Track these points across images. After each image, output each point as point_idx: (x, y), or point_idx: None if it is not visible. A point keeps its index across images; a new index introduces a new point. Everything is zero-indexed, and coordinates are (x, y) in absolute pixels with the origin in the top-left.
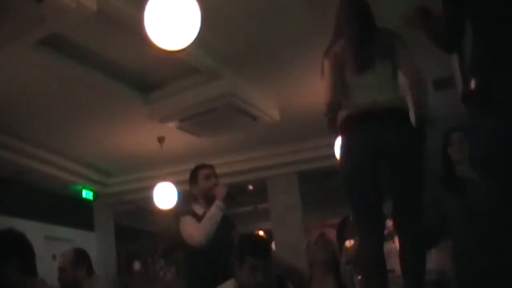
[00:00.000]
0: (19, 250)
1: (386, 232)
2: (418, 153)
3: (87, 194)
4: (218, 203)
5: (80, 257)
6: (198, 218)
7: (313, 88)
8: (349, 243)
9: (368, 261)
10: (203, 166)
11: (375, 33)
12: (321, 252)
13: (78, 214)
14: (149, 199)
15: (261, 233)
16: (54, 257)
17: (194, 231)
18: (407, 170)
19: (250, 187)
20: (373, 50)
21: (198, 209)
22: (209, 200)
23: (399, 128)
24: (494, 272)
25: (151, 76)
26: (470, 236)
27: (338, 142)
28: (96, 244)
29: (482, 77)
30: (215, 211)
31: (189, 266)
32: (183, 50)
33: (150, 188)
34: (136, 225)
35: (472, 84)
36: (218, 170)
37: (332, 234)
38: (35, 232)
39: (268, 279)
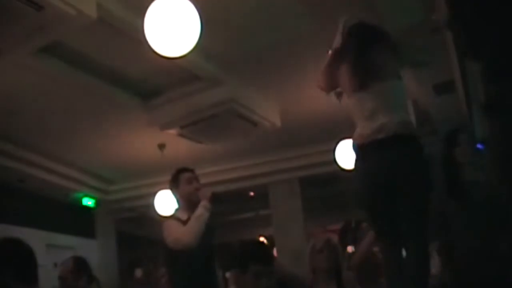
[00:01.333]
0: (16, 259)
1: None
2: (425, 180)
3: (88, 201)
4: (204, 203)
5: (80, 265)
6: (183, 223)
7: (313, 94)
8: (351, 248)
9: (393, 272)
10: (184, 169)
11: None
12: (326, 261)
13: (80, 222)
14: (151, 206)
15: (262, 239)
16: (55, 265)
17: (181, 234)
18: (413, 199)
19: (252, 194)
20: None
21: (182, 215)
22: (192, 205)
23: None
24: (492, 278)
25: (152, 83)
26: (470, 242)
27: (342, 148)
28: (97, 251)
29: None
30: (201, 211)
31: (174, 272)
32: (183, 56)
33: (151, 195)
34: (137, 232)
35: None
36: (219, 177)
37: (334, 239)
38: (36, 240)
39: (272, 285)
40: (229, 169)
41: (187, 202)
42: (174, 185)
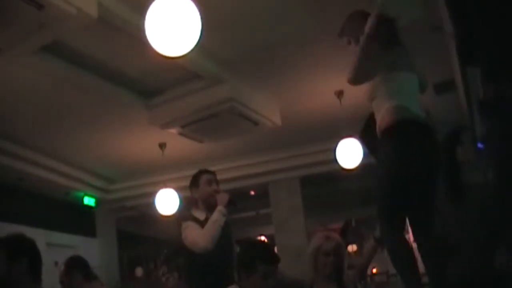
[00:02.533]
0: (29, 254)
1: None
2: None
3: (88, 200)
4: (220, 208)
5: (71, 265)
6: (200, 223)
7: (314, 93)
8: (351, 248)
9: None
10: (206, 171)
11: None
12: (331, 266)
13: (80, 221)
14: (151, 205)
15: (262, 238)
16: (56, 263)
17: (199, 237)
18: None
19: (252, 192)
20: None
21: (199, 214)
22: (209, 206)
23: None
24: (490, 279)
25: (152, 82)
26: (468, 243)
27: (342, 147)
28: (98, 250)
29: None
30: (218, 216)
31: (191, 273)
32: (183, 56)
33: (152, 194)
34: (138, 231)
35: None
36: (220, 176)
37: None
38: (37, 238)
39: (277, 285)
40: (230, 168)
41: (205, 203)
42: (194, 185)
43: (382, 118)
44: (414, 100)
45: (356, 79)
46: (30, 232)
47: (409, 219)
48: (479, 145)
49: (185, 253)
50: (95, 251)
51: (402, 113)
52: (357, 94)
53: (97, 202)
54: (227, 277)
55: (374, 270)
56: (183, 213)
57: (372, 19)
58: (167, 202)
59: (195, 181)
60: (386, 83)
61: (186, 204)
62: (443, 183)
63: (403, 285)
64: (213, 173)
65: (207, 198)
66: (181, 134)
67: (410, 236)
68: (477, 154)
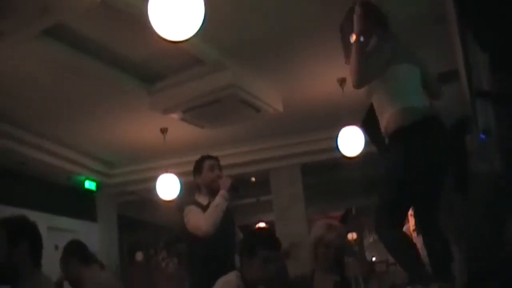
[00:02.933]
0: (31, 237)
1: None
2: None
3: (89, 184)
4: (223, 193)
5: (68, 252)
6: (203, 208)
7: (317, 81)
8: (351, 235)
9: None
10: (209, 157)
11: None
12: (332, 256)
13: (81, 205)
14: (152, 190)
15: (262, 224)
16: (56, 247)
17: (200, 221)
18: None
19: (253, 179)
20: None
21: (202, 200)
22: (212, 191)
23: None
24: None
25: (155, 66)
26: (475, 233)
27: (344, 135)
28: (98, 235)
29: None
30: (220, 201)
31: (193, 259)
32: (186, 40)
33: (153, 179)
34: (139, 216)
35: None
36: (221, 162)
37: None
38: (38, 222)
39: (279, 270)
40: (231, 155)
41: (208, 188)
42: (197, 171)
43: (388, 122)
44: (416, 94)
45: (360, 83)
46: (31, 215)
47: (415, 214)
48: (482, 135)
49: (187, 239)
50: (96, 235)
51: (407, 117)
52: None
53: (98, 187)
54: (229, 264)
55: (374, 259)
56: (186, 198)
57: (356, 14)
58: (168, 187)
59: (198, 167)
60: (385, 80)
61: (189, 190)
62: (451, 174)
63: (410, 277)
64: (215, 158)
65: (210, 184)
66: (182, 119)
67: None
68: (481, 144)
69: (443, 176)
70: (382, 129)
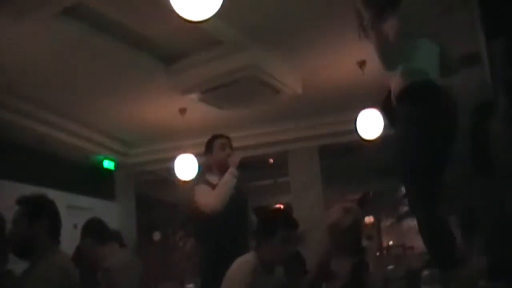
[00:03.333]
0: (50, 215)
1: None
2: None
3: (108, 164)
4: (231, 170)
5: (84, 231)
6: (213, 187)
7: (336, 63)
8: (368, 219)
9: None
10: (219, 136)
11: None
12: (349, 241)
13: (100, 184)
14: (170, 170)
15: (279, 205)
16: (75, 226)
17: (209, 198)
18: None
19: (271, 160)
20: None
21: (213, 179)
22: (223, 170)
23: None
24: None
25: (174, 47)
26: (498, 218)
27: (363, 118)
28: (117, 213)
29: None
30: (228, 178)
31: (204, 237)
32: (206, 20)
33: (171, 159)
34: (156, 195)
35: None
36: (239, 143)
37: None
38: (57, 201)
39: (296, 250)
40: (249, 136)
41: (219, 168)
42: (208, 150)
43: (394, 87)
44: (428, 66)
45: (388, 67)
46: (50, 194)
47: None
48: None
49: (196, 218)
50: (114, 214)
51: (408, 77)
52: (379, 65)
53: (116, 166)
54: (241, 244)
55: (390, 243)
56: (197, 177)
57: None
58: (186, 167)
59: (209, 146)
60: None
61: (202, 169)
62: (471, 157)
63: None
64: (227, 137)
65: (220, 163)
66: (201, 100)
67: None
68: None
69: (446, 149)
70: (392, 95)
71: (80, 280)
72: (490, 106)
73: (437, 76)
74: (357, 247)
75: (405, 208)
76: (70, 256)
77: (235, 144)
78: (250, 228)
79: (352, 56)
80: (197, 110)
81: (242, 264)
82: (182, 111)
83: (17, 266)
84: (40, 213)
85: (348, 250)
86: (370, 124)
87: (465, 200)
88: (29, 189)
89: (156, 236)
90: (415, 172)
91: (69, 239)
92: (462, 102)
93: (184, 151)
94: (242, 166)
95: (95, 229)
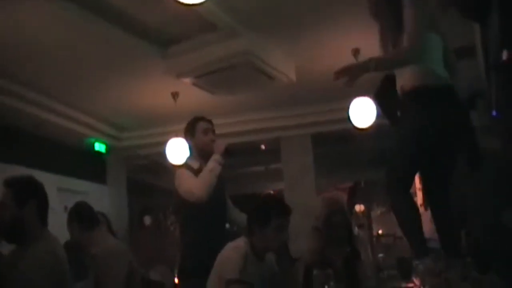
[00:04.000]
0: (38, 196)
1: None
2: None
3: (100, 147)
4: (217, 157)
5: (70, 216)
6: (194, 172)
7: (331, 51)
8: (359, 207)
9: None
10: (202, 119)
11: None
12: (341, 235)
13: (91, 167)
14: (162, 154)
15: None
16: (66, 208)
17: (193, 186)
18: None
19: (263, 147)
20: None
21: (193, 163)
22: (205, 155)
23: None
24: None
25: (169, 30)
26: (485, 212)
27: (356, 106)
28: (108, 197)
29: None
30: (214, 165)
31: (185, 224)
32: (201, 4)
33: (163, 143)
34: (148, 180)
35: (504, 55)
36: (232, 129)
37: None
38: (48, 183)
39: (288, 238)
40: (242, 121)
41: (201, 152)
42: (189, 133)
43: (406, 80)
44: (438, 61)
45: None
46: (42, 176)
47: (425, 185)
48: (494, 112)
49: (178, 203)
50: (105, 198)
51: (427, 77)
52: (374, 53)
53: (108, 149)
54: (221, 230)
55: (380, 232)
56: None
57: None
58: (177, 151)
59: (190, 128)
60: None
61: None
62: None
63: (411, 246)
64: (210, 121)
65: (203, 147)
66: (195, 84)
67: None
68: (492, 120)
69: (455, 148)
70: (398, 88)
71: (71, 265)
72: (472, 98)
73: (447, 74)
74: (349, 236)
75: None
76: (59, 239)
77: (227, 129)
78: (229, 215)
79: (346, 45)
80: (190, 95)
81: (234, 249)
82: (175, 95)
83: (5, 248)
84: (29, 195)
85: (339, 239)
86: (363, 112)
87: (457, 192)
88: (19, 171)
89: (147, 220)
90: (413, 167)
91: (60, 221)
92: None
93: (176, 136)
94: (228, 153)
95: (81, 215)
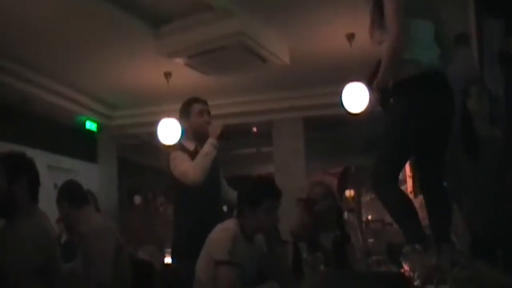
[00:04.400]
0: (28, 172)
1: None
2: None
3: (91, 125)
4: (212, 141)
5: (60, 193)
6: (190, 154)
7: (325, 34)
8: (349, 192)
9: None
10: (197, 100)
11: None
12: (329, 220)
13: (82, 146)
14: (153, 134)
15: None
16: (55, 186)
17: (189, 169)
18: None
19: (255, 129)
20: None
21: (189, 145)
22: (200, 137)
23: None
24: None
25: (162, 9)
26: (484, 197)
27: (349, 91)
28: (98, 176)
29: None
30: (209, 149)
31: (179, 205)
32: None
33: (155, 123)
34: (139, 159)
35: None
36: (224, 110)
37: (333, 183)
38: (38, 160)
39: (278, 220)
40: (234, 103)
41: (196, 134)
42: (184, 115)
43: (395, 71)
44: (427, 50)
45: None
46: (31, 153)
47: (416, 172)
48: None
49: (172, 185)
50: (96, 176)
51: (414, 68)
52: (368, 38)
53: (99, 128)
54: (215, 212)
55: (370, 217)
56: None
57: None
58: (169, 132)
59: (185, 110)
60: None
61: None
62: (458, 137)
63: (405, 235)
64: (205, 102)
65: (198, 129)
66: (187, 65)
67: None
68: (490, 107)
69: (446, 135)
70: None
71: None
72: (467, 85)
73: (436, 61)
74: (339, 219)
75: None
76: (48, 216)
77: (219, 111)
78: (224, 195)
79: (341, 29)
80: (183, 75)
81: (224, 231)
82: (168, 75)
83: None
84: (20, 172)
85: (329, 222)
86: (356, 97)
87: (453, 178)
88: (11, 148)
89: (137, 200)
90: (399, 156)
91: (50, 199)
92: (452, 82)
93: (168, 116)
94: (223, 136)
95: (69, 192)
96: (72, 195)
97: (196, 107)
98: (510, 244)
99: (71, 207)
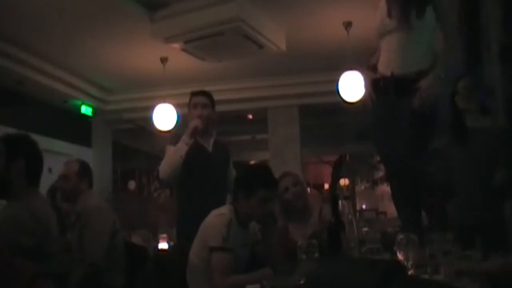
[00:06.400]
0: (28, 155)
1: (380, 175)
2: None
3: (86, 109)
4: (184, 137)
5: (85, 169)
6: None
7: (322, 23)
8: (343, 181)
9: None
10: (195, 93)
11: None
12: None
13: (77, 129)
14: (149, 120)
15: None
16: (50, 170)
17: (162, 165)
18: None
19: (250, 116)
20: None
21: (183, 139)
22: None
23: None
24: (493, 225)
25: None
26: (472, 189)
27: (345, 80)
28: (92, 160)
29: None
30: (180, 145)
31: (180, 192)
32: None
33: (150, 108)
34: (134, 144)
35: None
36: (220, 96)
37: (327, 171)
38: None
39: (274, 209)
40: (230, 89)
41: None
42: (188, 107)
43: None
44: (407, 54)
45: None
46: None
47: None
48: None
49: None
50: (90, 161)
51: (384, 70)
52: (365, 27)
53: (94, 112)
54: (219, 198)
55: (364, 206)
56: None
57: None
58: (164, 117)
59: (188, 102)
60: (397, 31)
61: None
62: (449, 125)
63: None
64: (201, 95)
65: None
66: (184, 50)
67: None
68: (485, 99)
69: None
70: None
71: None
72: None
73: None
74: (334, 205)
75: (380, 174)
76: (47, 200)
77: (214, 97)
78: (229, 183)
79: (338, 17)
80: (179, 60)
81: (218, 217)
82: (164, 60)
83: None
84: (18, 152)
85: (298, 211)
86: (352, 86)
87: (444, 167)
88: (4, 130)
89: (131, 185)
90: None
91: (44, 182)
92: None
93: (164, 101)
94: (198, 133)
95: (88, 173)
96: (90, 176)
97: (192, 100)
98: (491, 231)
99: (87, 185)
